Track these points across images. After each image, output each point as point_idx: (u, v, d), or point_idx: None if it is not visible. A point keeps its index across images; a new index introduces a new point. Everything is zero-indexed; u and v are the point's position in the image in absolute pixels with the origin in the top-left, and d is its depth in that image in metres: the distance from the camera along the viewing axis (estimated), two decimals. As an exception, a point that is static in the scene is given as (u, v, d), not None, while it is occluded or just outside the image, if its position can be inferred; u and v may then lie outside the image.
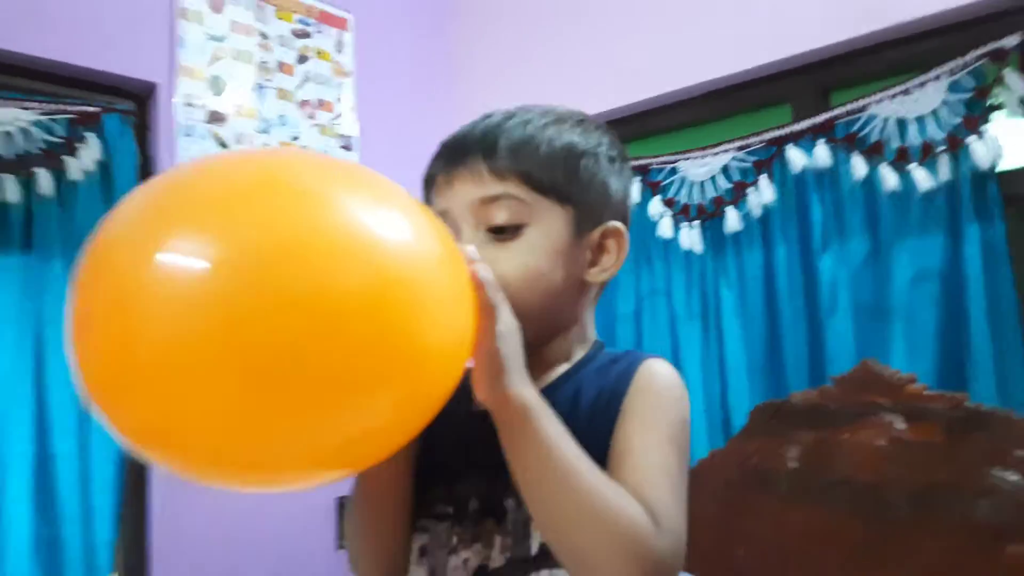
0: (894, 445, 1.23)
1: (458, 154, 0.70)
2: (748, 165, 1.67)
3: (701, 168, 1.75)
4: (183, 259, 0.42)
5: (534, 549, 0.68)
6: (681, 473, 0.66)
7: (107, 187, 1.61)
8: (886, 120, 1.46)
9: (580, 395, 0.71)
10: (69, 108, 1.57)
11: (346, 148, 2.03)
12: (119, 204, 0.49)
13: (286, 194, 0.46)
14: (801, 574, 1.30)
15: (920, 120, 1.42)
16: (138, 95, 1.74)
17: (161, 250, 0.43)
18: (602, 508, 0.58)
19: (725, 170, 1.70)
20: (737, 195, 1.67)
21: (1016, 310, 1.31)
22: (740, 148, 1.68)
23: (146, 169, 1.70)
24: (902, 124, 1.45)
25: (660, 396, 0.69)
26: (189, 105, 1.74)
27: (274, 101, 1.90)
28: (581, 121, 0.75)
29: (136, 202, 0.48)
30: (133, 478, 1.64)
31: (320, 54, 2.01)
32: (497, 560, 0.69)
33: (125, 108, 1.67)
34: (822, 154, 1.53)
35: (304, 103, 1.96)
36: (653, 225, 1.80)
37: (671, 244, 1.78)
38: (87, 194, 1.58)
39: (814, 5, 1.55)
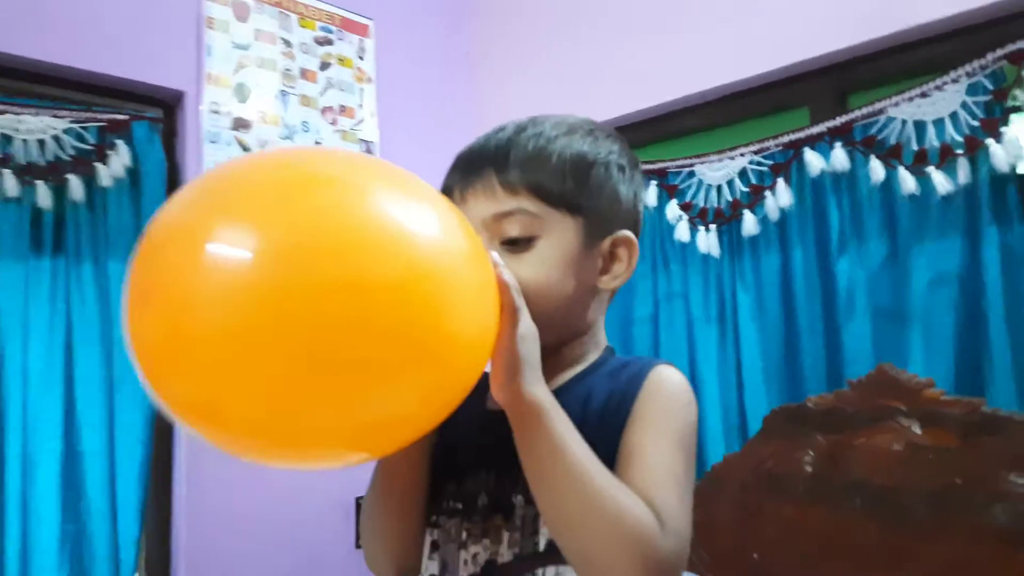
0: (910, 449, 1.22)
1: (472, 168, 0.73)
2: (765, 168, 1.67)
3: (718, 172, 1.75)
4: (232, 248, 0.46)
5: (542, 545, 0.69)
6: (687, 476, 0.67)
7: (136, 193, 1.64)
8: (904, 123, 1.46)
9: (591, 397, 0.73)
10: (99, 116, 1.61)
11: (367, 153, 2.06)
12: (176, 193, 0.53)
13: (327, 190, 0.50)
14: (816, 578, 1.30)
15: (938, 123, 1.41)
16: (166, 103, 1.79)
17: (213, 239, 0.47)
18: (609, 508, 0.59)
19: (742, 174, 1.71)
20: (754, 199, 1.67)
21: (1035, 314, 1.29)
22: (757, 151, 1.68)
23: (173, 175, 1.74)
24: (920, 127, 1.44)
25: (669, 401, 0.70)
26: (215, 112, 1.79)
27: (297, 107, 1.94)
28: (591, 131, 0.76)
29: (192, 192, 0.53)
30: (158, 476, 1.68)
31: (342, 61, 2.05)
32: (505, 555, 0.71)
33: (153, 116, 1.70)
34: (840, 157, 1.52)
35: (326, 109, 2.00)
36: (670, 228, 1.81)
37: (688, 247, 1.78)
38: (116, 200, 1.62)
39: (831, 8, 1.55)
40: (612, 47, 1.97)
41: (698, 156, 1.79)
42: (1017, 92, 1.33)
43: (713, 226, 1.74)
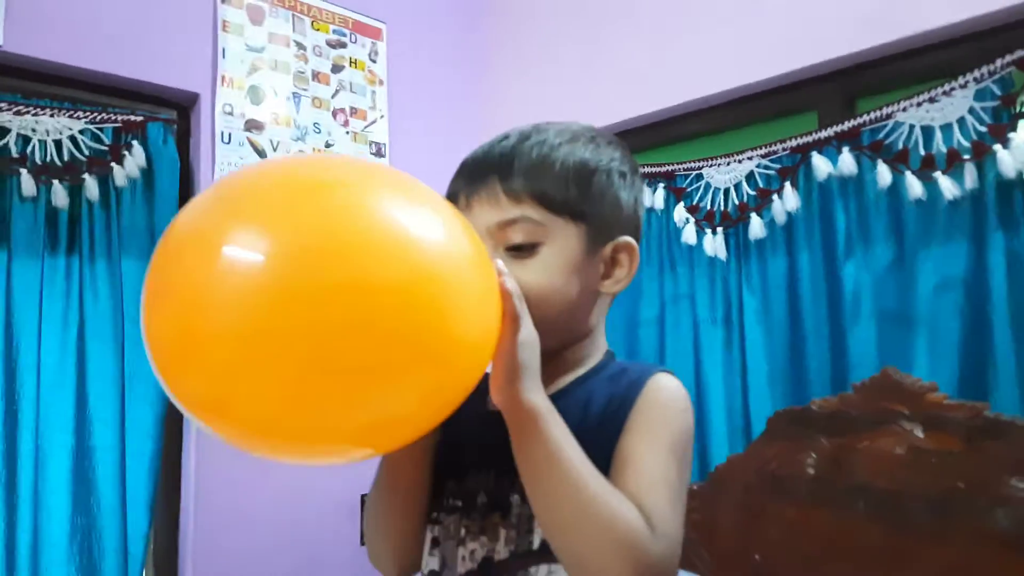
0: (913, 453, 1.22)
1: (476, 176, 0.74)
2: (773, 172, 1.67)
3: (726, 175, 1.75)
4: (244, 252, 0.48)
5: (536, 543, 0.71)
6: (680, 482, 0.68)
7: (149, 193, 1.66)
8: (912, 128, 1.46)
9: (592, 401, 0.74)
10: (115, 117, 1.63)
11: (377, 154, 2.08)
12: (192, 200, 0.56)
13: (335, 196, 0.52)
14: (819, 581, 1.30)
15: (946, 128, 1.41)
16: (180, 104, 1.81)
17: (227, 242, 0.49)
18: (602, 513, 0.60)
19: (750, 177, 1.71)
20: (762, 202, 1.68)
21: (1040, 320, 1.29)
22: (765, 155, 1.69)
23: (186, 175, 1.76)
24: (928, 132, 1.43)
25: (666, 408, 0.71)
26: (228, 114, 1.81)
27: (309, 109, 1.96)
28: (593, 138, 0.77)
29: (206, 199, 0.55)
30: (167, 471, 1.70)
31: (354, 63, 2.07)
32: (502, 552, 0.72)
33: (168, 117, 1.73)
34: (847, 162, 1.52)
35: (338, 111, 2.02)
36: (678, 231, 1.81)
37: (695, 250, 1.79)
38: (131, 199, 1.64)
39: (840, 12, 1.55)
40: (622, 51, 1.98)
41: (706, 159, 1.79)
42: (1024, 98, 1.33)
43: (720, 229, 1.74)
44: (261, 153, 1.86)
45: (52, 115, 1.55)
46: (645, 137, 1.98)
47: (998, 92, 1.35)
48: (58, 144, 1.55)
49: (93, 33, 1.63)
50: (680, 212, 1.81)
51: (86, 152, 1.59)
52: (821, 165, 1.56)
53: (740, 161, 1.73)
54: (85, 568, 1.51)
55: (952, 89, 1.40)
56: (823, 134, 1.58)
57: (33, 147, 1.52)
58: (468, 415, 0.62)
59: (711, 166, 1.78)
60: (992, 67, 1.35)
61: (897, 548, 1.21)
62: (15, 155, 1.50)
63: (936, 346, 1.38)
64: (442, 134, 2.19)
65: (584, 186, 0.73)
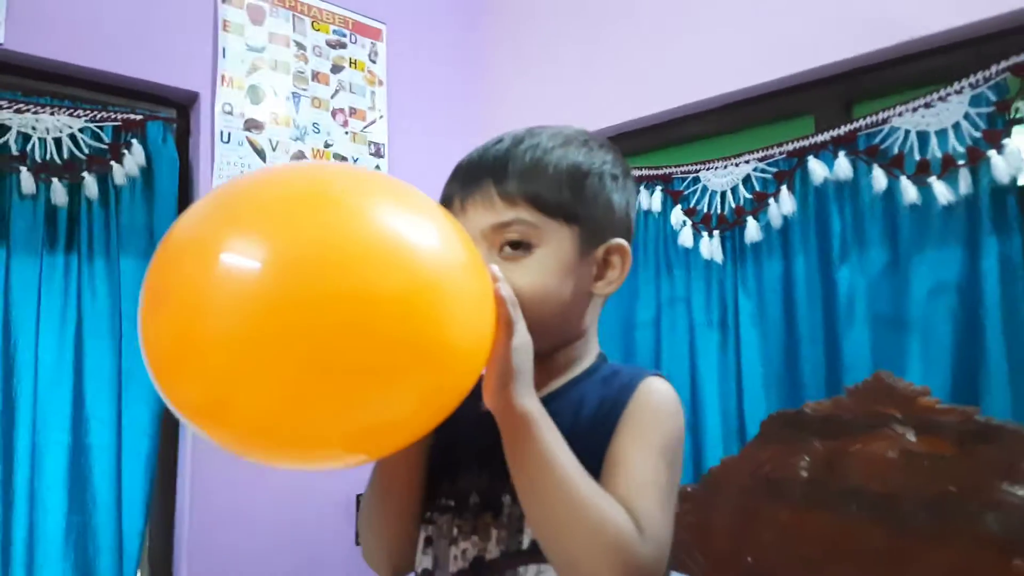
0: (905, 457, 1.23)
1: (471, 179, 0.75)
2: (769, 176, 1.68)
3: (723, 178, 1.76)
4: (242, 259, 0.49)
5: (525, 543, 0.71)
6: (670, 486, 0.69)
7: (149, 192, 1.67)
8: (907, 133, 1.46)
9: (584, 403, 0.75)
10: (115, 116, 1.63)
11: (376, 155, 2.09)
12: (191, 207, 0.56)
13: (331, 206, 0.52)
14: (811, 583, 1.31)
15: (941, 133, 1.42)
16: (180, 103, 1.82)
17: (225, 249, 0.49)
18: (592, 516, 0.61)
19: (747, 180, 1.72)
20: (758, 205, 1.69)
21: (1032, 325, 1.30)
22: (762, 159, 1.69)
23: (186, 174, 1.77)
24: (923, 137, 1.44)
25: (657, 412, 0.72)
26: (228, 113, 1.82)
27: (309, 109, 1.97)
28: (586, 141, 0.78)
29: (205, 206, 0.55)
30: (164, 470, 1.71)
31: (354, 63, 2.07)
32: (493, 552, 0.73)
33: (167, 116, 1.73)
34: (843, 166, 1.53)
35: (337, 111, 2.02)
36: (674, 234, 1.82)
37: (692, 253, 1.80)
38: (130, 198, 1.64)
39: (838, 18, 1.56)
40: (621, 53, 1.99)
41: (703, 162, 1.80)
42: (1020, 104, 1.33)
43: (716, 232, 1.75)
44: (260, 153, 1.86)
45: (52, 113, 1.55)
46: (643, 140, 1.98)
47: (993, 98, 1.36)
48: (58, 142, 1.56)
49: (94, 32, 1.63)
50: (677, 215, 1.82)
51: (86, 150, 1.59)
52: (817, 169, 1.57)
53: (737, 164, 1.73)
54: (80, 566, 1.51)
55: (948, 95, 1.41)
56: (819, 138, 1.58)
57: (33, 145, 1.53)
58: (462, 417, 0.63)
59: (708, 169, 1.79)
60: (987, 73, 1.36)
61: (890, 551, 1.21)
62: (15, 153, 1.51)
63: (929, 350, 1.39)
64: (441, 135, 2.20)
65: (577, 189, 0.74)
